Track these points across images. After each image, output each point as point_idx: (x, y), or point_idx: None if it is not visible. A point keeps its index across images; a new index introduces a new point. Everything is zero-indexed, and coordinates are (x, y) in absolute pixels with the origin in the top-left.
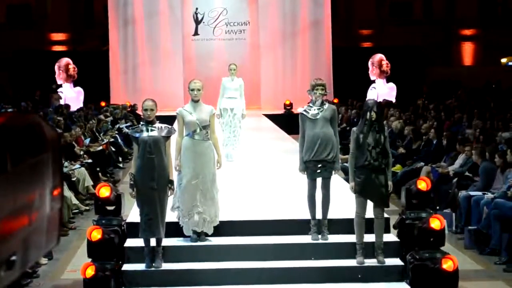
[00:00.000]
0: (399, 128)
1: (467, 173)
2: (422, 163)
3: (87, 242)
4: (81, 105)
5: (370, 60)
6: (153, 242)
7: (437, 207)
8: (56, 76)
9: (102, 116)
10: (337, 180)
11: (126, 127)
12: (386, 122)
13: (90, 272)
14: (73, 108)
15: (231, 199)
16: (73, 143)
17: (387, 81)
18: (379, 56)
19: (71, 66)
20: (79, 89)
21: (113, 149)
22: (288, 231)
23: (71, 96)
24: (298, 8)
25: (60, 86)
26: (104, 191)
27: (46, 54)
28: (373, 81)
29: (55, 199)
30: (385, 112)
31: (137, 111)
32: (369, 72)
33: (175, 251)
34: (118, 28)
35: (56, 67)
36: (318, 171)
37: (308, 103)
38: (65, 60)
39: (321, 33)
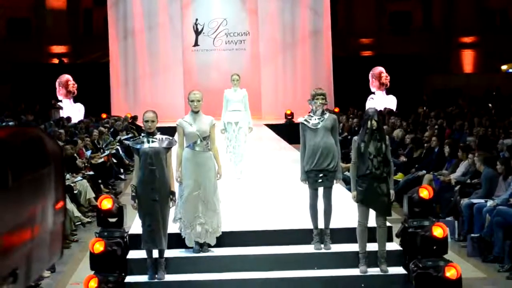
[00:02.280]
0: (400, 137)
1: (469, 181)
2: (424, 171)
3: (89, 255)
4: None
5: (371, 72)
6: (155, 253)
7: (440, 215)
8: (56, 92)
9: (103, 128)
10: (338, 189)
11: (127, 138)
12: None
13: (93, 284)
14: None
15: (233, 209)
16: (76, 155)
17: (388, 93)
18: (379, 69)
19: (71, 82)
20: (79, 106)
21: (115, 161)
22: (290, 241)
23: (72, 112)
24: (298, 18)
25: (60, 101)
26: (106, 203)
27: (46, 67)
28: (373, 93)
29: (58, 213)
30: (386, 120)
31: (137, 123)
32: (370, 84)
33: (177, 262)
34: (118, 40)
35: (57, 83)
36: (320, 180)
37: (309, 112)
38: (66, 77)
39: (321, 42)
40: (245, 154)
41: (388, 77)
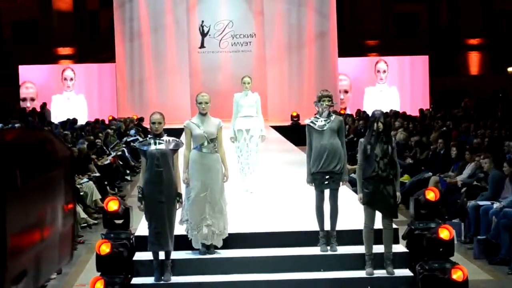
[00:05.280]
0: (402, 139)
1: (475, 183)
2: (430, 173)
3: (96, 256)
4: (86, 113)
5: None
6: (162, 255)
7: (446, 217)
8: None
9: (109, 130)
10: (345, 191)
11: (133, 140)
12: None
13: (99, 286)
14: (78, 116)
15: (240, 211)
16: (92, 157)
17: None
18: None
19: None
20: (81, 97)
21: (121, 162)
22: (297, 243)
23: (75, 104)
24: (304, 19)
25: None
26: (113, 205)
27: (52, 69)
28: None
29: (68, 215)
30: (392, 122)
31: (144, 124)
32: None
33: (184, 264)
34: (125, 42)
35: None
36: (326, 182)
37: (315, 114)
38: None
39: (327, 44)
40: (256, 166)
41: (386, 71)
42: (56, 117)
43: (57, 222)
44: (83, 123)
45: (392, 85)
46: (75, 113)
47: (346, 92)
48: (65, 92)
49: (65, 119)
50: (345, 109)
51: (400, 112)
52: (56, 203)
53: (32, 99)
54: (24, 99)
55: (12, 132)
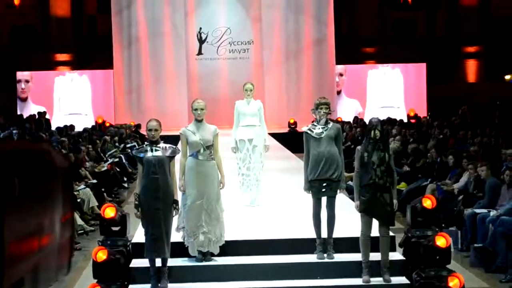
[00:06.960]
0: (394, 149)
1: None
2: (427, 181)
3: (92, 263)
4: (89, 95)
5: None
6: (158, 262)
7: (443, 225)
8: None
9: (106, 137)
10: (342, 199)
11: (130, 147)
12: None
13: None
14: (82, 95)
15: (236, 218)
16: (83, 163)
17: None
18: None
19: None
20: (85, 78)
21: (118, 169)
22: (293, 251)
23: (78, 85)
24: (302, 26)
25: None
26: (109, 212)
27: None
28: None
29: (65, 226)
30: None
31: (141, 131)
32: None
33: (180, 271)
34: (122, 49)
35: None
36: (323, 190)
37: (313, 122)
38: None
39: (325, 51)
40: (261, 179)
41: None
42: (60, 99)
43: (55, 232)
44: (84, 119)
45: (396, 68)
46: (79, 94)
47: (341, 75)
48: (68, 74)
49: (69, 99)
50: (339, 92)
51: (405, 95)
52: (54, 213)
53: (27, 81)
54: (19, 81)
55: (11, 142)
